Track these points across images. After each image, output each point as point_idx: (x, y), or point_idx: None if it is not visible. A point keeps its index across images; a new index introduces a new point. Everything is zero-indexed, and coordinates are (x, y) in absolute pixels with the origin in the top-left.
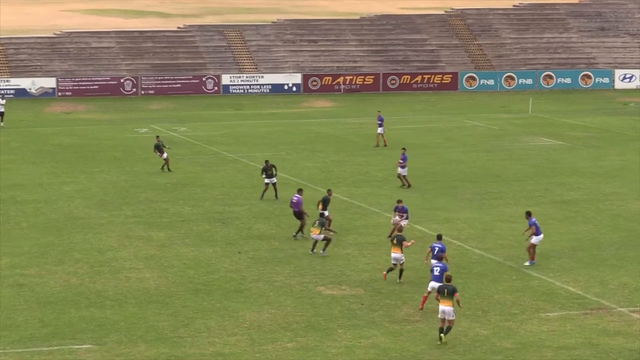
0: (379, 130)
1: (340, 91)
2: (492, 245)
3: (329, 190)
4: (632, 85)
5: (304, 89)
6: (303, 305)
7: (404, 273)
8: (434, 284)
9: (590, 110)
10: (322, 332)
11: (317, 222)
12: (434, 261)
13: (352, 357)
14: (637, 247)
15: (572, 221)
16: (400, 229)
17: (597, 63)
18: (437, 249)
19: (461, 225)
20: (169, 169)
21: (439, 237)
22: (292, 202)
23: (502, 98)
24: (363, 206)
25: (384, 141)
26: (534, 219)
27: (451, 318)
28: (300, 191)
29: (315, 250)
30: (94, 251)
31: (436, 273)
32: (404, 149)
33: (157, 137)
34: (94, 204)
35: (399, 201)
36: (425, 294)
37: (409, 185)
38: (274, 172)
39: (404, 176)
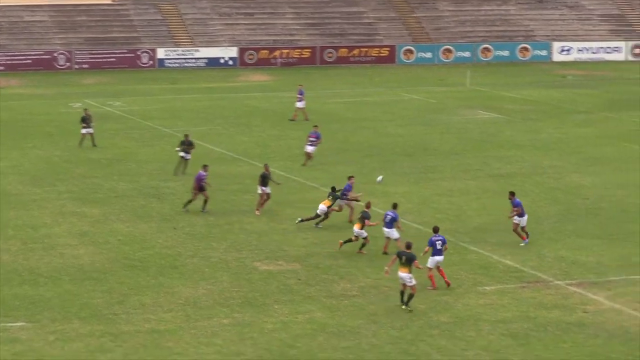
0: (299, 104)
1: (277, 65)
2: (429, 219)
3: (265, 165)
4: (570, 57)
5: (240, 62)
6: (239, 280)
7: (365, 246)
8: (438, 259)
9: (529, 83)
10: (259, 308)
11: (330, 195)
12: (433, 238)
13: (288, 333)
14: (575, 220)
15: None
16: (368, 205)
17: (535, 36)
18: (389, 217)
19: (398, 199)
20: (93, 144)
21: (395, 206)
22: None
23: (440, 71)
24: (300, 180)
25: (305, 115)
26: (518, 200)
27: (410, 284)
28: (205, 167)
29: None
30: (27, 228)
31: (438, 247)
32: (315, 126)
33: (86, 110)
34: (27, 180)
35: (350, 177)
36: (430, 273)
37: (304, 164)
38: (190, 149)
39: (309, 154)
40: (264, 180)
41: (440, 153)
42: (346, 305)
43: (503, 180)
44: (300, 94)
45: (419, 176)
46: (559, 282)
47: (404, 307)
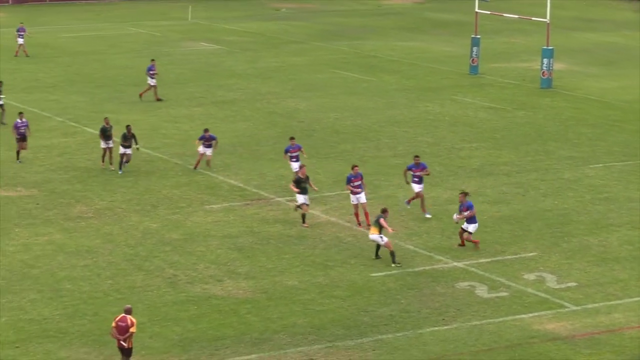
0: (20, 41)
1: (9, 2)
2: (159, 145)
3: (105, 119)
4: None
5: None
6: None
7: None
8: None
9: (246, 16)
10: (0, 232)
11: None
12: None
13: (29, 254)
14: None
15: (233, 120)
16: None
17: None
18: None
19: None
20: None
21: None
22: (15, 126)
23: (163, 6)
24: (35, 111)
25: (25, 52)
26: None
27: (383, 242)
28: (21, 114)
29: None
30: None
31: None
32: (152, 60)
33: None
34: None
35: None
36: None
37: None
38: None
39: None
40: (105, 134)
41: (166, 83)
42: (83, 226)
43: (226, 107)
44: (22, 31)
45: (147, 105)
46: (279, 199)
47: (393, 265)
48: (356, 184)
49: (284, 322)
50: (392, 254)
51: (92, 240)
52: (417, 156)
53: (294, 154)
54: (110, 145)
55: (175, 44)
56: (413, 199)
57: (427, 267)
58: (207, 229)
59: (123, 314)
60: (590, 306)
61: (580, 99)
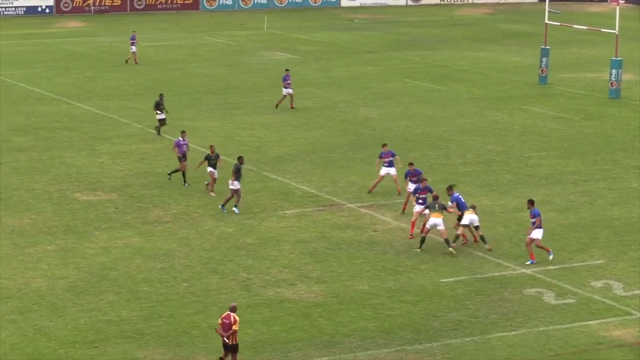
0: (133, 48)
1: (91, 12)
2: (234, 151)
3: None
4: (356, 3)
5: (56, 10)
6: (62, 210)
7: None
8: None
9: (320, 26)
10: (80, 235)
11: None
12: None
13: (108, 257)
14: (363, 149)
15: (306, 127)
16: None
17: None
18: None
19: (206, 133)
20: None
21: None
22: (178, 144)
23: (240, 16)
24: (115, 118)
25: (135, 59)
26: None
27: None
28: (184, 133)
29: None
30: None
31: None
32: (287, 70)
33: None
34: None
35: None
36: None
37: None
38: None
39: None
40: (210, 162)
41: (242, 91)
42: (160, 230)
43: (299, 114)
44: (133, 39)
45: (224, 112)
46: (351, 205)
47: (450, 249)
48: (422, 196)
49: (355, 326)
50: (447, 240)
51: (168, 244)
52: (531, 201)
53: (387, 160)
54: (215, 176)
55: (251, 53)
56: (542, 247)
57: (495, 274)
58: (280, 234)
59: (228, 312)
60: None
61: None
